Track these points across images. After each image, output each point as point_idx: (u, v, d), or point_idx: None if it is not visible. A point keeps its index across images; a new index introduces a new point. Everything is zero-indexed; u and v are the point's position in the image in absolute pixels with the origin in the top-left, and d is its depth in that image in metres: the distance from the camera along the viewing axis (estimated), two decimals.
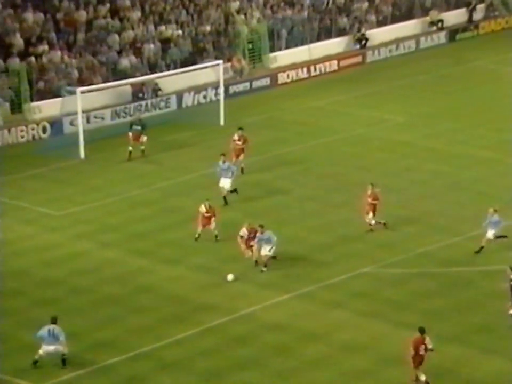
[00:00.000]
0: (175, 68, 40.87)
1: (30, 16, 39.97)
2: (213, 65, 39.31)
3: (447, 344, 22.66)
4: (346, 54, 46.08)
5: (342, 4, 47.83)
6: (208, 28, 43.45)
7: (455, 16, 50.58)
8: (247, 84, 42.20)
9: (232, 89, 41.31)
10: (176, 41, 42.20)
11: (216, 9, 44.42)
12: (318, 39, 46.15)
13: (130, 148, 34.02)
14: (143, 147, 34.14)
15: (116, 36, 41.17)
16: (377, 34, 47.42)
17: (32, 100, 37.56)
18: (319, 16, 46.59)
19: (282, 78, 43.36)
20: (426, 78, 43.49)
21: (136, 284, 25.68)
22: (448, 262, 26.58)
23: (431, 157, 34.69)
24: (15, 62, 37.98)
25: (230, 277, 25.08)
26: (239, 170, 31.97)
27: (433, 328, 22.61)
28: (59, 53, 39.31)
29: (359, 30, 47.07)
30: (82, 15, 41.07)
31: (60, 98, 37.01)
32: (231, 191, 30.23)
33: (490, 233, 26.61)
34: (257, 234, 25.81)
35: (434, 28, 49.47)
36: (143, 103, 38.92)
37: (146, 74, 39.76)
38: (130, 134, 34.04)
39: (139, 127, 34.11)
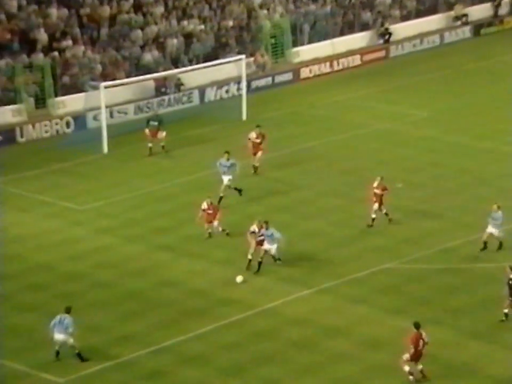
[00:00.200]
0: (198, 62, 40.91)
1: (54, 11, 40.18)
2: (235, 60, 39.30)
3: (470, 340, 22.55)
4: (370, 49, 45.90)
5: None
6: (230, 23, 43.46)
7: (480, 11, 50.19)
8: (269, 79, 42.17)
9: (255, 84, 41.29)
10: (199, 36, 42.24)
11: (239, 4, 44.40)
12: (341, 33, 46.00)
13: (150, 144, 34.08)
14: (162, 143, 34.13)
15: (139, 31, 41.29)
16: (401, 29, 47.17)
17: (56, 95, 37.77)
18: (342, 11, 46.43)
19: (304, 72, 43.27)
20: (450, 73, 43.21)
21: (159, 278, 25.76)
22: (471, 258, 26.42)
23: (454, 152, 34.46)
24: (39, 57, 38.21)
25: (239, 278, 24.85)
26: (252, 168, 31.64)
27: (456, 325, 22.48)
28: (83, 48, 39.51)
29: (382, 25, 46.87)
30: (105, 11, 41.22)
31: (84, 93, 37.19)
32: (236, 189, 29.67)
33: (491, 229, 26.27)
34: (262, 230, 25.57)
35: (459, 22, 49.12)
36: (166, 98, 39.01)
37: (169, 69, 39.84)
38: (147, 130, 34.05)
39: (156, 123, 34.11)
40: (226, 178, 29.72)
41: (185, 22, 42.64)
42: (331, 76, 43.49)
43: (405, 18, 48.22)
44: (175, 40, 41.64)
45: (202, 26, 42.75)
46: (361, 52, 45.40)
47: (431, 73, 43.22)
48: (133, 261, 26.66)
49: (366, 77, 43.09)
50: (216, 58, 40.80)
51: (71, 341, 21.43)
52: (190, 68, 39.88)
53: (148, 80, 38.84)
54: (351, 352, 22.25)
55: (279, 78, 42.46)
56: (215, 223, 27.37)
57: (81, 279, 25.66)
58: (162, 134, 34.14)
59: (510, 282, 23.09)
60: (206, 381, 21.33)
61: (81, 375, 21.39)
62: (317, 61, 43.99)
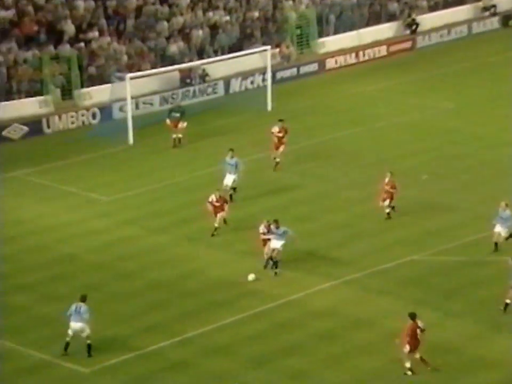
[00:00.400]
0: (223, 53, 40.89)
1: (81, 3, 40.33)
2: (260, 51, 39.22)
3: (495, 334, 22.34)
4: (396, 39, 45.59)
5: None
6: (256, 14, 43.35)
7: (508, 2, 49.62)
8: (295, 70, 42.05)
9: (280, 74, 41.19)
10: (224, 27, 42.20)
11: None
12: (368, 24, 45.72)
13: (174, 135, 34.11)
14: (180, 135, 34.04)
15: (165, 22, 41.34)
16: (428, 20, 46.80)
17: (82, 86, 37.94)
18: (368, 1, 46.13)
19: (330, 63, 43.07)
20: (477, 64, 42.78)
21: (183, 269, 25.81)
22: (498, 250, 26.15)
23: (480, 144, 34.15)
24: (66, 48, 38.39)
25: (251, 276, 24.53)
26: (273, 164, 31.33)
27: (484, 317, 22.31)
28: (109, 39, 39.64)
29: (409, 15, 46.51)
30: (132, 2, 41.29)
31: (110, 84, 37.31)
32: (232, 188, 29.22)
33: (499, 228, 25.75)
34: (272, 229, 25.10)
35: (487, 13, 48.62)
36: (191, 89, 39.03)
37: (194, 60, 39.85)
38: (168, 121, 34.03)
39: (178, 114, 34.10)
40: (231, 178, 29.11)
41: (210, 13, 42.61)
42: (357, 67, 43.25)
43: (432, 8, 47.82)
44: (200, 31, 41.63)
45: (228, 17, 42.70)
46: (388, 42, 45.10)
47: (458, 64, 42.83)
48: (157, 252, 26.73)
49: (392, 68, 42.80)
50: (241, 49, 40.74)
51: (87, 330, 21.44)
52: (215, 58, 39.88)
53: (173, 71, 38.89)
54: (375, 344, 22.16)
55: (304, 69, 42.31)
56: (219, 215, 26.95)
57: (105, 270, 25.79)
58: (183, 125, 34.13)
59: None
60: (230, 372, 21.34)
61: (105, 365, 21.50)
62: (342, 51, 43.77)
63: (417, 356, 20.92)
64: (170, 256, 26.50)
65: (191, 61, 39.74)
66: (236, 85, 40.14)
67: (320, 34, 44.06)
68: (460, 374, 21.19)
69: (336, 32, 44.82)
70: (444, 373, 21.21)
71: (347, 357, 21.79)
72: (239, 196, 29.88)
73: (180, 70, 39.23)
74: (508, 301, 22.97)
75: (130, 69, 38.32)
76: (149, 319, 23.35)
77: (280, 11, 43.96)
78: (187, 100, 38.19)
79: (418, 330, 20.79)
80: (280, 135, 31.62)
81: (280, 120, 31.88)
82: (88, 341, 21.51)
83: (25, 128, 35.68)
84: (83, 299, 21.61)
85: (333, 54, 43.46)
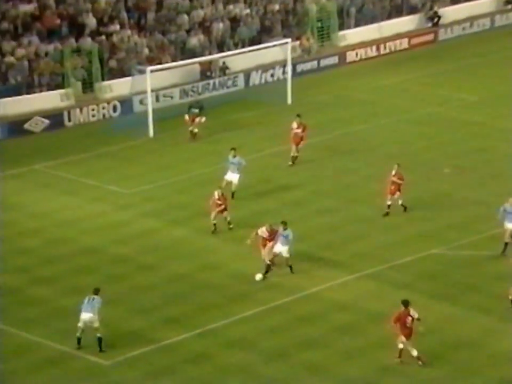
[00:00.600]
0: (243, 46, 40.86)
1: None
2: (281, 44, 39.15)
3: None
4: (418, 32, 45.34)
5: None
6: (276, 7, 43.26)
7: None
8: (315, 63, 41.93)
9: (300, 67, 41.10)
10: (244, 20, 42.15)
11: None
12: (389, 17, 45.49)
13: (190, 128, 34.11)
14: (196, 129, 34.02)
15: (185, 16, 41.36)
16: (450, 12, 46.49)
17: (103, 79, 38.06)
18: None
19: (351, 56, 42.92)
20: (500, 57, 42.45)
21: (203, 261, 25.86)
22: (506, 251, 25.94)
23: (503, 137, 33.91)
24: (87, 42, 38.52)
25: (258, 276, 24.20)
26: (290, 160, 31.17)
27: (503, 312, 22.16)
28: (129, 32, 39.73)
29: (431, 8, 46.23)
30: None
31: (130, 77, 37.40)
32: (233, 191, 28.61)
33: (508, 225, 25.21)
34: (279, 231, 24.54)
35: (510, 6, 48.19)
36: (211, 81, 39.05)
37: (215, 53, 39.85)
38: (187, 116, 33.99)
39: (197, 110, 34.10)
40: (235, 177, 28.73)
41: (231, 6, 42.57)
42: (378, 60, 43.06)
43: (454, 1, 47.50)
44: (221, 24, 41.62)
45: (248, 10, 42.64)
46: (409, 35, 44.86)
47: (481, 57, 42.52)
48: (178, 244, 26.80)
49: (413, 61, 42.58)
50: (262, 42, 40.68)
51: (97, 322, 21.43)
52: (235, 51, 39.85)
53: (193, 64, 38.92)
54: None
55: (324, 62, 42.19)
56: (225, 213, 26.73)
57: (126, 262, 25.89)
58: (201, 120, 34.10)
59: None
60: (250, 364, 21.40)
61: (126, 357, 21.61)
62: (363, 44, 43.59)
63: (400, 346, 20.80)
64: (191, 249, 26.56)
65: (211, 54, 39.74)
66: (256, 78, 40.10)
67: (341, 27, 43.88)
68: (478, 369, 21.11)
69: (357, 25, 44.64)
70: (462, 367, 21.13)
71: (367, 350, 21.76)
72: (260, 189, 29.86)
73: (200, 63, 39.25)
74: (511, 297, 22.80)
75: (151, 62, 38.39)
76: (169, 311, 23.43)
77: (300, 4, 43.84)
78: (207, 92, 38.21)
79: (409, 318, 20.66)
80: (299, 130, 31.41)
81: (298, 116, 31.70)
82: (98, 334, 21.50)
83: (47, 121, 35.86)
84: (96, 292, 21.67)
85: (353, 47, 43.29)
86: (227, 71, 39.99)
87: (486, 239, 26.52)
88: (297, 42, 42.08)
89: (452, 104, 37.40)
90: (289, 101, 37.59)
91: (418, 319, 20.86)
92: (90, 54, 37.82)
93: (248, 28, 42.07)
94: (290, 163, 31.40)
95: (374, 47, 43.60)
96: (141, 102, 36.63)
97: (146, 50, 39.48)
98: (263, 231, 24.94)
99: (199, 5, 41.98)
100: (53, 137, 35.17)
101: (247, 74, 40.02)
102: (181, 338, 22.32)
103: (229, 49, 40.58)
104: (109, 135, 34.84)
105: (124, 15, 40.30)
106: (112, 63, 38.81)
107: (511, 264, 22.87)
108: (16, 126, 35.24)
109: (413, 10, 46.28)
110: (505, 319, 22.72)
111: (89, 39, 38.62)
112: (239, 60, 39.97)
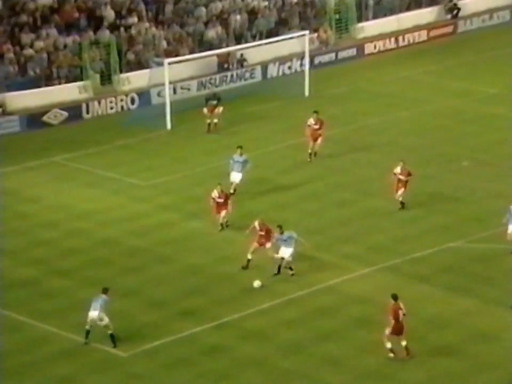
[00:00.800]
0: (261, 38, 40.77)
1: None
2: (298, 36, 39.03)
3: None
4: (437, 24, 45.04)
5: None
6: None
7: None
8: (333, 55, 41.78)
9: (318, 59, 40.97)
10: (262, 12, 42.04)
11: None
12: (408, 8, 45.22)
13: (208, 121, 34.11)
14: (216, 120, 34.00)
15: (203, 8, 41.32)
16: (470, 4, 46.13)
17: (121, 72, 38.13)
18: None
19: (369, 48, 42.72)
20: None
21: (220, 254, 25.88)
22: None
23: None
24: (105, 34, 38.59)
25: (257, 283, 23.80)
26: (311, 155, 30.90)
27: None
28: (147, 24, 39.75)
29: (451, 0, 45.89)
30: None
31: (148, 70, 37.45)
32: (234, 191, 27.96)
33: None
34: (275, 234, 24.26)
35: None
36: (228, 74, 39.02)
37: (232, 45, 39.80)
38: (205, 109, 33.94)
39: (214, 102, 34.04)
40: (238, 177, 28.24)
41: None
42: (396, 52, 42.84)
43: None
44: (238, 17, 41.55)
45: (266, 2, 42.52)
46: (428, 27, 44.57)
47: (500, 49, 42.17)
48: (195, 236, 26.82)
49: (433, 53, 42.31)
50: (279, 34, 40.57)
51: (105, 319, 21.42)
52: (253, 43, 39.77)
53: (211, 57, 38.89)
54: (413, 331, 22.00)
55: (342, 54, 42.03)
56: (223, 212, 26.28)
57: (143, 254, 25.96)
58: (219, 110, 34.05)
59: None
60: (266, 357, 21.40)
61: (143, 349, 21.69)
62: (381, 36, 43.37)
63: (404, 343, 20.73)
64: (207, 241, 26.57)
65: (229, 46, 39.69)
66: (273, 70, 40.02)
67: (359, 19, 43.70)
68: (496, 362, 21.00)
69: (375, 16, 44.41)
70: (480, 361, 21.04)
71: (384, 343, 21.66)
72: (277, 182, 29.79)
73: (218, 55, 39.21)
74: None
75: (169, 54, 38.40)
76: (186, 304, 23.48)
77: None
78: (224, 85, 38.19)
79: (400, 313, 20.58)
80: (317, 126, 31.03)
81: (315, 112, 31.29)
82: (109, 331, 21.50)
83: (65, 114, 35.98)
84: (105, 291, 21.69)
85: (372, 39, 43.08)
86: (244, 63, 39.94)
87: (504, 232, 26.31)
88: (315, 35, 41.95)
89: (471, 96, 37.13)
90: (306, 93, 37.49)
91: (404, 314, 20.77)
92: (109, 46, 37.88)
93: (266, 20, 41.96)
94: (309, 160, 31.15)
95: (393, 39, 43.36)
96: (159, 94, 36.67)
97: (164, 43, 39.51)
98: (256, 227, 24.61)
99: None
100: (71, 129, 35.29)
101: (265, 66, 39.93)
102: (197, 330, 22.37)
103: (246, 42, 40.50)
104: (126, 128, 34.92)
105: (142, 7, 40.32)
106: (130, 56, 38.87)
107: None
108: (35, 119, 35.40)
109: (432, 2, 45.98)
110: None
111: (107, 32, 38.68)
112: (257, 52, 39.89)
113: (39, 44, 37.58)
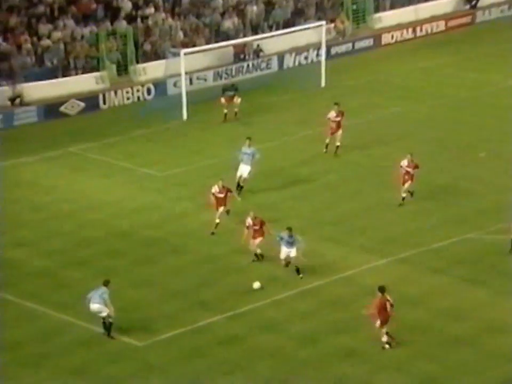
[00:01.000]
0: (277, 29, 40.69)
1: None
2: (315, 26, 38.91)
3: None
4: (455, 14, 44.76)
5: None
6: None
7: None
8: (350, 45, 41.64)
9: (334, 50, 40.85)
10: (279, 3, 41.93)
11: None
12: None
13: (225, 110, 34.06)
14: (236, 109, 33.95)
15: None
16: None
17: (137, 62, 38.18)
18: None
19: (386, 38, 42.52)
20: None
21: (235, 244, 25.85)
22: None
23: None
24: (122, 24, 38.65)
25: (256, 285, 23.57)
26: (325, 148, 30.58)
27: None
28: (164, 15, 39.76)
29: None
30: None
31: (164, 60, 37.47)
32: (239, 187, 27.69)
33: None
34: (282, 234, 23.84)
35: None
36: (245, 64, 38.97)
37: (249, 35, 39.73)
38: (222, 99, 33.90)
39: (232, 93, 33.96)
40: (246, 169, 27.80)
41: None
42: (414, 42, 42.62)
43: None
44: (255, 7, 41.47)
45: None
46: (446, 17, 44.30)
47: None
48: (209, 228, 26.82)
49: (451, 44, 42.05)
50: (296, 24, 40.46)
51: (105, 312, 21.45)
52: (269, 34, 39.71)
53: (227, 47, 38.86)
54: (428, 323, 21.99)
55: (359, 44, 41.86)
56: (221, 209, 25.94)
57: (158, 245, 26.01)
58: (238, 100, 34.02)
59: None
60: (280, 348, 21.42)
61: (159, 339, 21.77)
62: (399, 26, 43.15)
63: (384, 339, 20.78)
64: (222, 232, 26.58)
65: (245, 36, 39.66)
66: (289, 61, 39.94)
67: (376, 9, 43.49)
68: None
69: (392, 7, 44.21)
70: (496, 352, 20.95)
71: (400, 335, 21.60)
72: (292, 173, 29.74)
73: (234, 46, 39.17)
74: None
75: (185, 44, 38.40)
76: (201, 294, 23.53)
77: None
78: (241, 75, 38.16)
79: (388, 304, 20.58)
80: (338, 119, 30.45)
81: (336, 104, 30.73)
82: (110, 320, 21.47)
83: (82, 104, 36.11)
84: (105, 283, 21.68)
85: (389, 29, 42.89)
86: (261, 54, 39.87)
87: None
88: (332, 25, 41.80)
89: (490, 88, 36.87)
90: (323, 83, 37.38)
91: (392, 305, 20.77)
92: (125, 37, 37.94)
93: (283, 10, 41.85)
94: (324, 151, 30.90)
95: (410, 30, 43.14)
96: (175, 84, 36.70)
97: (180, 33, 39.52)
98: (248, 222, 24.40)
99: None
100: (88, 120, 35.40)
101: (281, 57, 39.86)
102: (212, 320, 22.42)
103: (263, 32, 40.44)
104: (143, 118, 34.97)
105: None
106: (147, 46, 38.91)
107: None
108: (52, 109, 35.54)
109: None
110: None
111: (124, 22, 38.74)
112: (273, 42, 39.82)
113: (56, 35, 37.69)
